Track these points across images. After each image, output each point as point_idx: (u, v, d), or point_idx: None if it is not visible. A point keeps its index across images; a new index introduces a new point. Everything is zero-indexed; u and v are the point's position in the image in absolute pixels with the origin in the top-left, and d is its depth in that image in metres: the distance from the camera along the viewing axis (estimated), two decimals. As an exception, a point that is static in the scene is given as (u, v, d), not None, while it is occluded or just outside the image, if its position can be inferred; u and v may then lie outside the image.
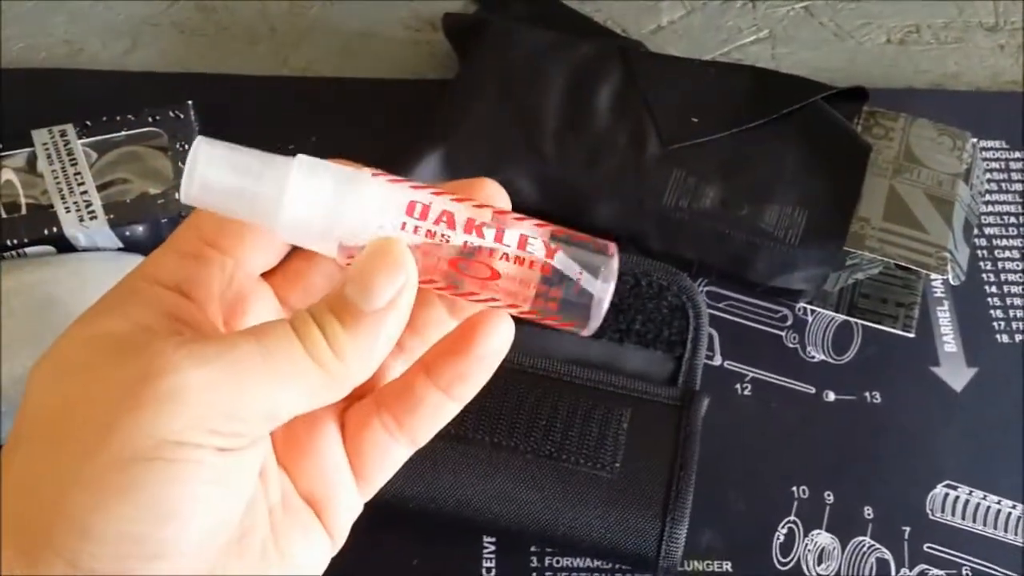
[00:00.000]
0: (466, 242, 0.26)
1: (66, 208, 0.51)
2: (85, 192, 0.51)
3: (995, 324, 0.56)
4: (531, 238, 0.27)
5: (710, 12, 0.67)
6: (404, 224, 0.26)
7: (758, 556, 0.49)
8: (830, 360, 0.54)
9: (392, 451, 0.29)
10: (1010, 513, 0.51)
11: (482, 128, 0.55)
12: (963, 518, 0.51)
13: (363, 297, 0.25)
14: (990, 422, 0.53)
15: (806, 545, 0.50)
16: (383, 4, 0.66)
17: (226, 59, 0.63)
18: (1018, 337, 0.56)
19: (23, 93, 0.60)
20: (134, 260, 0.51)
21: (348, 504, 0.29)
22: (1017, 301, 0.57)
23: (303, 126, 0.60)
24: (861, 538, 0.50)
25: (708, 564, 0.49)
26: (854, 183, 0.55)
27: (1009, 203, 0.60)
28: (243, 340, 0.25)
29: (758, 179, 0.54)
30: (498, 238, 0.27)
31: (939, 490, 0.51)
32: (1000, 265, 0.58)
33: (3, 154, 0.53)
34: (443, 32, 0.62)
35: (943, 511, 0.51)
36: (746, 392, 0.53)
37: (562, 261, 0.27)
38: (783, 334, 0.55)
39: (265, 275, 0.29)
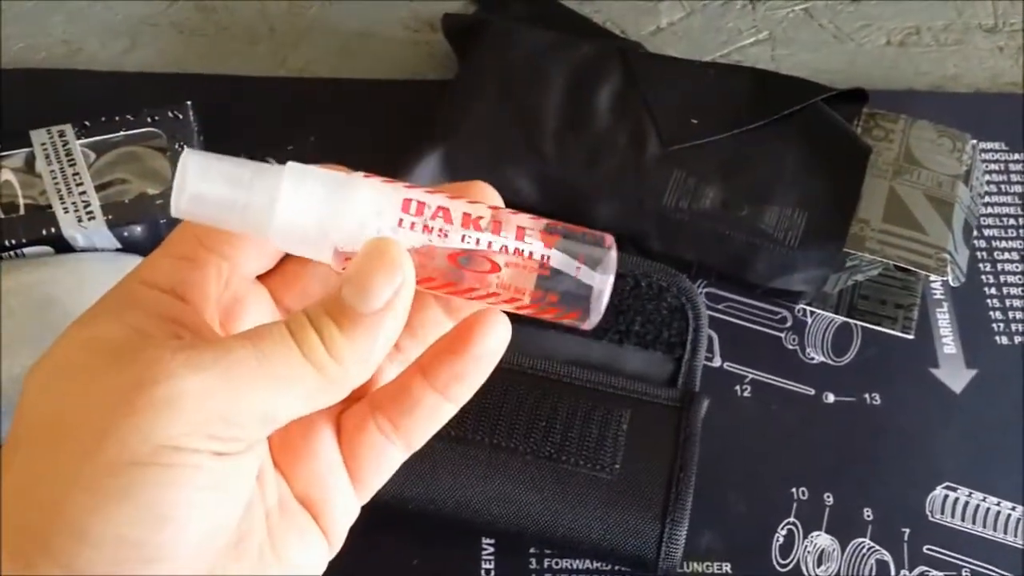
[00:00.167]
0: (464, 236, 0.26)
1: (64, 208, 0.51)
2: (83, 192, 0.51)
3: (994, 326, 0.56)
4: (528, 230, 0.27)
5: (710, 14, 0.67)
6: (401, 220, 0.26)
7: (758, 557, 0.49)
8: (830, 362, 0.54)
9: (388, 454, 0.29)
10: (1009, 515, 0.51)
11: (482, 128, 0.55)
12: (963, 520, 0.50)
13: (360, 299, 0.25)
14: (989, 424, 0.53)
15: (806, 547, 0.50)
16: (382, 4, 0.66)
17: (225, 59, 0.63)
18: (1017, 339, 0.56)
19: (22, 93, 0.60)
20: (132, 260, 0.51)
21: (345, 507, 0.29)
22: (1016, 303, 0.57)
23: (302, 126, 0.60)
24: (861, 540, 0.50)
25: (708, 565, 0.49)
26: (854, 185, 0.54)
27: (1009, 205, 0.60)
28: (239, 344, 0.25)
29: (758, 180, 0.54)
30: (495, 231, 0.26)
31: (939, 492, 0.51)
32: (1000, 267, 0.58)
33: (2, 154, 0.52)
34: (442, 32, 0.62)
35: (943, 513, 0.51)
36: (746, 393, 0.53)
37: (561, 253, 0.27)
38: (783, 335, 0.55)
39: (261, 277, 0.29)
